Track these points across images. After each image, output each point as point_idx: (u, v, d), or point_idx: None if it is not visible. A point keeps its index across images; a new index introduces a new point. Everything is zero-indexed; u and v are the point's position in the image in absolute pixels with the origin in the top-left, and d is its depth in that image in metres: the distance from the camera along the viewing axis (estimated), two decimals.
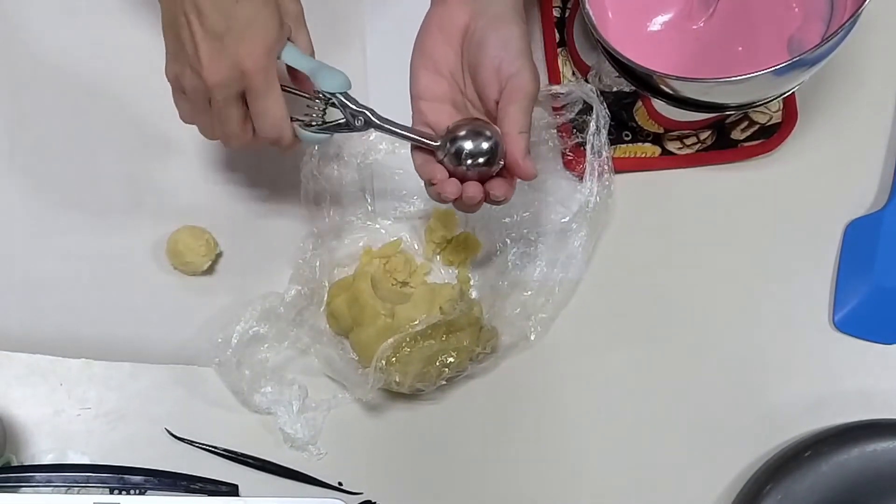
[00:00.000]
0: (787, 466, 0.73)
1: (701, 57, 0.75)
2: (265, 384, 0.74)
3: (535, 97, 0.67)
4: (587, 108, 0.78)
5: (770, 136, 0.82)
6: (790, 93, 0.74)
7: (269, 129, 0.65)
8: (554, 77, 0.83)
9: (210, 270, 0.77)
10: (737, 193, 0.82)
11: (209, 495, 0.71)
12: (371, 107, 0.67)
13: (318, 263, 0.76)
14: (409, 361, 0.71)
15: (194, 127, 0.68)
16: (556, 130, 0.81)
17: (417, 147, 0.68)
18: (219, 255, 0.78)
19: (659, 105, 0.75)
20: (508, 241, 0.79)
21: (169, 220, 0.77)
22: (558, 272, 0.78)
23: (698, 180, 0.82)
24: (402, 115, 0.69)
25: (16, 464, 0.72)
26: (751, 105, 0.75)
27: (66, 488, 0.70)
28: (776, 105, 0.82)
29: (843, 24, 0.65)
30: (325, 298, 0.76)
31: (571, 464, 0.76)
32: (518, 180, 0.68)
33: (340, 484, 0.74)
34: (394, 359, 0.71)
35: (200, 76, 0.63)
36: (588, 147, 0.78)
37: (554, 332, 0.78)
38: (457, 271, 0.79)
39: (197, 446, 0.74)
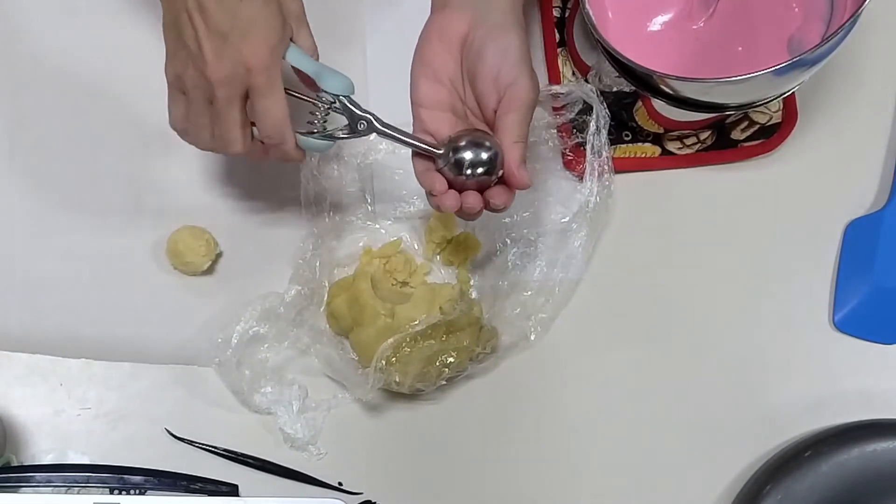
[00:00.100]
0: (787, 466, 0.73)
1: (701, 57, 0.75)
2: (265, 384, 0.74)
3: (534, 106, 0.67)
4: (587, 108, 0.78)
5: (770, 136, 0.82)
6: (790, 93, 0.74)
7: (270, 130, 0.65)
8: (554, 77, 0.83)
9: (210, 270, 0.77)
10: (737, 193, 0.82)
11: (209, 495, 0.71)
12: (373, 111, 0.67)
13: (318, 263, 0.76)
14: (409, 361, 0.71)
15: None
16: (556, 130, 0.81)
17: (418, 154, 0.68)
18: (219, 255, 0.78)
19: (659, 105, 0.75)
20: (508, 241, 0.79)
21: (169, 220, 0.77)
22: (558, 272, 0.78)
23: (698, 180, 0.82)
24: (402, 117, 0.69)
25: (16, 464, 0.72)
26: (751, 105, 0.75)
27: (66, 488, 0.70)
28: (776, 105, 0.82)
29: (843, 24, 0.65)
30: (325, 298, 0.76)
31: (571, 464, 0.76)
32: None
33: (340, 484, 0.74)
34: (394, 359, 0.71)
35: (204, 73, 0.62)
36: (588, 147, 0.78)
37: (554, 332, 0.78)
38: (457, 271, 0.79)
39: (197, 446, 0.74)
